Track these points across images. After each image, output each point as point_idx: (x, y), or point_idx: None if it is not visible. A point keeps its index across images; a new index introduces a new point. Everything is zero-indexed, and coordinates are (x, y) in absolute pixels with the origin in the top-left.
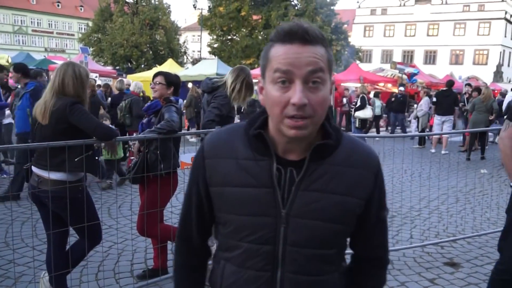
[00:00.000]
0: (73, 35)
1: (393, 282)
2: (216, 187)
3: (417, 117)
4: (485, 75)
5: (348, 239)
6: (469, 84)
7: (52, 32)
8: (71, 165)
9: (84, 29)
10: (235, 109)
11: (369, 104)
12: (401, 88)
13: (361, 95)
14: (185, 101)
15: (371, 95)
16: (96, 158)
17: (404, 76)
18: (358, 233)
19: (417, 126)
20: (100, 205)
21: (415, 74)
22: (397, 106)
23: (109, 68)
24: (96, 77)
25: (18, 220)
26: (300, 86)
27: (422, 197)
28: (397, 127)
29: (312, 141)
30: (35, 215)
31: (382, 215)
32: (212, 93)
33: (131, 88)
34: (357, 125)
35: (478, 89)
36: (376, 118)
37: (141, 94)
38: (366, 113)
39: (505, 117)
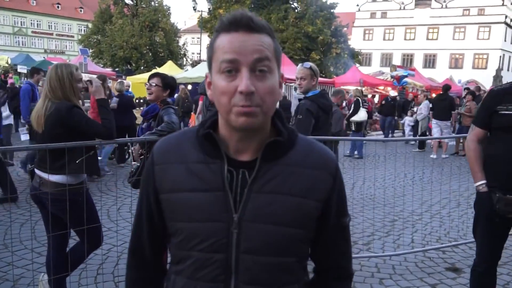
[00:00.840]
0: (72, 36)
1: (394, 287)
2: (165, 194)
3: (416, 121)
4: (485, 79)
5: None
6: (468, 88)
7: (51, 34)
8: (72, 167)
9: (84, 30)
10: None
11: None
12: (391, 93)
13: (355, 99)
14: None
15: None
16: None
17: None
18: (318, 241)
19: (417, 130)
20: (100, 207)
21: (405, 76)
22: (387, 110)
23: (108, 70)
24: None
25: (17, 222)
26: (247, 73)
27: (423, 201)
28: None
29: (264, 140)
30: (34, 217)
31: (342, 221)
32: None
33: None
34: (353, 128)
35: (472, 93)
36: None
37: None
38: (360, 115)
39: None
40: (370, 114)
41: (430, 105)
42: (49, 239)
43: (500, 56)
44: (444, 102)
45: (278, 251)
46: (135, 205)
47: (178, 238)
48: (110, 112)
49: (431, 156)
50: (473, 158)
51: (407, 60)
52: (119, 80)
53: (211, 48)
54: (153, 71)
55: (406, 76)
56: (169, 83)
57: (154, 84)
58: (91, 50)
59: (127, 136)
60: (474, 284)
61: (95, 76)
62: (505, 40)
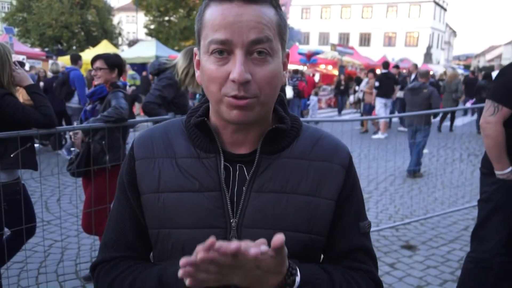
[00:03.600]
0: None
1: None
2: (148, 194)
3: (358, 100)
4: (416, 56)
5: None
6: (396, 66)
7: None
8: (6, 162)
9: (7, 8)
10: (197, 96)
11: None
12: (304, 68)
13: None
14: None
15: None
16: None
17: (340, 56)
18: (332, 252)
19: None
20: (37, 198)
21: (317, 54)
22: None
23: (37, 50)
24: (23, 59)
25: None
26: (241, 57)
27: (370, 179)
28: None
29: (265, 129)
30: None
31: (361, 226)
32: (159, 76)
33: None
34: None
35: (372, 70)
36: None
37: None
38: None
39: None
40: (299, 93)
41: (377, 83)
42: None
43: (430, 34)
44: (390, 80)
45: None
46: (76, 196)
47: (162, 249)
48: (46, 98)
49: (379, 136)
50: (501, 143)
51: (344, 39)
52: (53, 61)
53: (199, 21)
54: (87, 51)
55: (318, 54)
56: (114, 63)
57: (99, 68)
58: (16, 29)
59: (63, 121)
60: (484, 280)
61: (23, 57)
62: (434, 19)
